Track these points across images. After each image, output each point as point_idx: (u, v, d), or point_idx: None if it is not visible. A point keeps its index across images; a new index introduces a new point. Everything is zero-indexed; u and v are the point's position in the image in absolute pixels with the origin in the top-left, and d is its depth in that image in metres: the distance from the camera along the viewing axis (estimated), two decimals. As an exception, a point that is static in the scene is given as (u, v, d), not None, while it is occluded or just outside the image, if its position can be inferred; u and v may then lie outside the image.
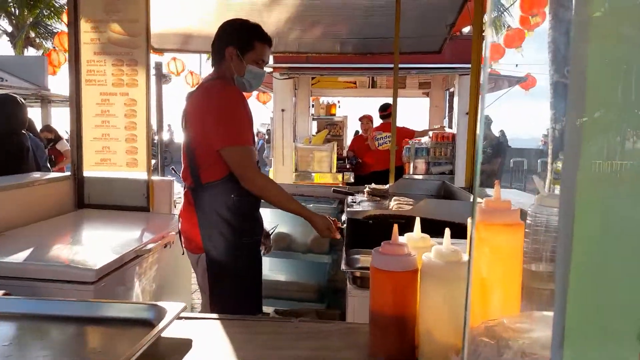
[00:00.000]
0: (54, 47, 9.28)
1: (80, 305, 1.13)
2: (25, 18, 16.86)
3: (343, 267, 1.87)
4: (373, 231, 2.09)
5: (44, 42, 17.71)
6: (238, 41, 1.87)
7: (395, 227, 0.95)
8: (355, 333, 1.08)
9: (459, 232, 1.85)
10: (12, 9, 16.88)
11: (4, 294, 1.53)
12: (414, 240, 1.00)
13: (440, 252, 0.89)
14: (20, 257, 1.82)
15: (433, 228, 1.25)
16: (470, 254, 0.64)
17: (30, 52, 17.28)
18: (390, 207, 2.28)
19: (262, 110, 12.64)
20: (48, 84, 10.45)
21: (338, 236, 1.98)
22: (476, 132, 2.82)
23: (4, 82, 9.30)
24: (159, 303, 1.08)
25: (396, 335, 0.91)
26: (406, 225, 1.98)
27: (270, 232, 2.18)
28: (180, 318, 1.10)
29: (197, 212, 1.87)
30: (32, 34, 17.50)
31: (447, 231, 0.91)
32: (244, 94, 1.99)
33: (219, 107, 1.81)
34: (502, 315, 0.93)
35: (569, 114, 0.43)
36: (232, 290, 1.88)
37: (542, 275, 1.28)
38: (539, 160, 14.33)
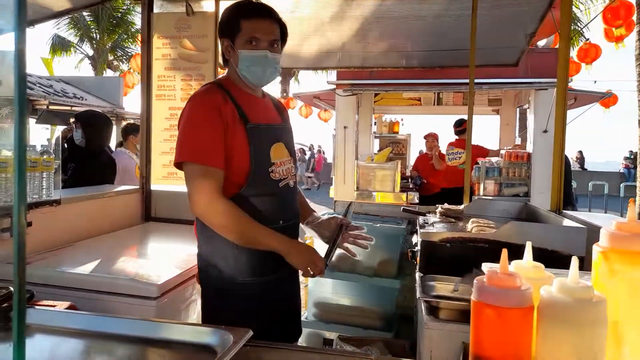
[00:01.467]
0: (130, 69, 9.85)
1: (141, 325, 1.05)
2: (105, 42, 18.19)
3: (418, 294, 1.69)
4: (450, 256, 1.90)
5: (120, 65, 19.00)
6: (226, 29, 1.52)
7: (505, 252, 0.78)
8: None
9: (554, 260, 1.63)
10: (94, 34, 18.29)
11: (70, 306, 1.50)
12: (524, 269, 0.83)
13: (566, 287, 0.71)
14: (86, 268, 1.82)
15: (519, 256, 1.02)
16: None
17: (109, 73, 18.61)
18: (469, 230, 2.07)
19: (324, 128, 12.65)
20: (123, 103, 11.09)
21: (321, 274, 1.52)
22: (563, 151, 2.56)
23: (83, 100, 9.97)
24: (223, 328, 0.97)
25: (506, 387, 0.74)
26: (489, 251, 1.78)
27: (344, 216, 1.70)
28: (246, 345, 0.98)
29: (198, 238, 1.58)
30: (111, 57, 18.85)
31: (575, 260, 0.73)
32: (249, 93, 1.56)
33: (183, 117, 1.50)
34: (647, 370, 0.73)
35: None
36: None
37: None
38: (621, 185, 13.23)
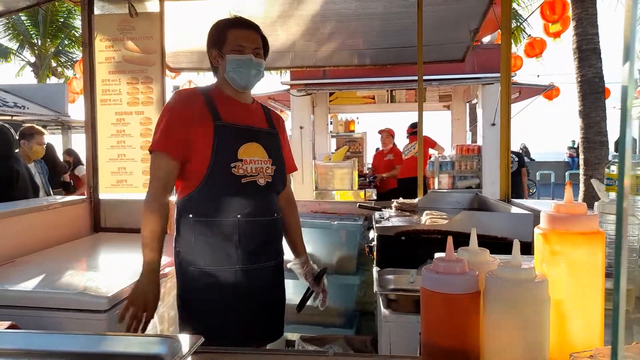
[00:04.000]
0: (75, 75, 9.44)
1: (85, 340, 1.00)
2: (47, 48, 17.36)
3: (376, 288, 1.70)
4: (405, 249, 1.92)
5: (65, 71, 18.17)
6: (215, 41, 1.70)
7: (450, 239, 0.79)
8: (402, 368, 0.91)
9: (503, 247, 1.68)
10: (35, 40, 17.41)
11: (10, 326, 1.41)
12: (470, 255, 0.84)
13: (510, 270, 0.72)
14: (29, 285, 1.72)
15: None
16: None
17: (53, 80, 17.74)
18: (423, 222, 2.11)
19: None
20: (68, 111, 10.62)
21: (136, 323, 1.52)
22: (509, 142, 2.65)
23: (25, 109, 9.47)
24: (172, 336, 0.93)
25: (457, 372, 0.75)
26: (443, 242, 1.81)
27: (319, 276, 1.83)
28: (198, 352, 0.95)
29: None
30: (54, 64, 17.99)
31: (516, 243, 0.75)
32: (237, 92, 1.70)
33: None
34: (588, 345, 0.76)
35: None
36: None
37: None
38: (566, 173, 13.91)
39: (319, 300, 1.83)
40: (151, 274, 1.56)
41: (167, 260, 2.03)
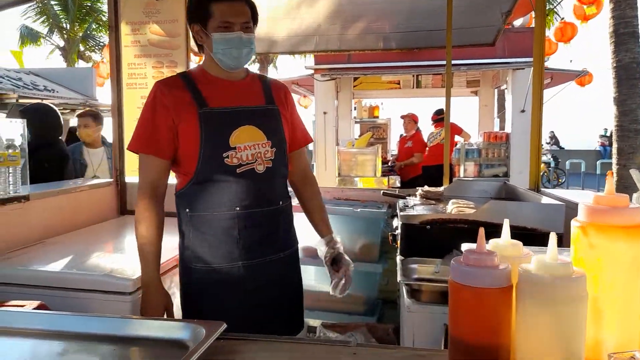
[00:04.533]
0: (102, 59, 9.57)
1: (110, 323, 1.01)
2: (75, 32, 17.65)
3: (399, 278, 1.67)
4: (430, 238, 1.89)
5: (92, 55, 18.47)
6: (196, 15, 1.51)
7: (481, 230, 0.75)
8: (428, 362, 0.89)
9: (533, 238, 1.62)
10: (64, 24, 17.72)
11: (39, 305, 1.45)
12: (502, 248, 0.80)
13: (545, 264, 0.69)
14: (57, 265, 1.75)
15: (499, 235, 0.99)
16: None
17: (81, 64, 18.06)
18: (449, 211, 2.06)
19: (303, 114, 12.58)
20: (96, 95, 10.80)
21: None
22: (541, 130, 2.56)
23: (54, 93, 9.68)
24: (195, 322, 0.93)
25: (486, 369, 0.72)
26: (469, 232, 1.77)
27: (335, 257, 1.66)
28: (220, 338, 0.94)
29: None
30: (82, 48, 18.31)
31: (553, 236, 0.71)
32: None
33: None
34: (627, 346, 0.72)
35: None
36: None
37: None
38: (598, 162, 13.49)
39: (337, 288, 1.62)
40: (151, 285, 1.49)
41: (170, 257, 1.95)
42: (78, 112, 10.67)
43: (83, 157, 3.75)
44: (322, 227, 1.71)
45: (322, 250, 1.68)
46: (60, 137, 3.50)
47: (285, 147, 1.59)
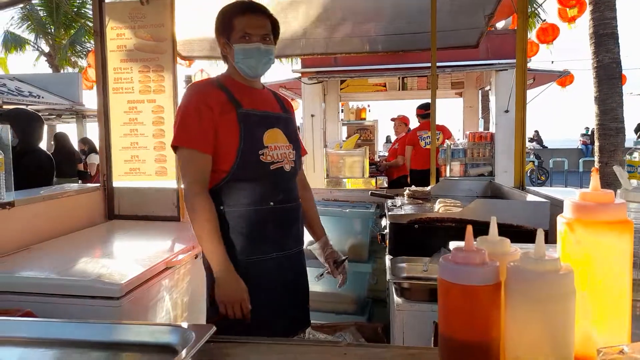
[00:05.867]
0: (89, 64, 9.46)
1: (98, 328, 1.00)
2: (61, 38, 17.42)
3: (388, 277, 1.69)
4: (418, 237, 1.90)
5: (79, 61, 18.25)
6: (222, 29, 1.64)
7: (469, 228, 0.76)
8: None
9: (520, 235, 1.64)
10: (50, 30, 17.48)
11: (26, 313, 1.43)
12: (490, 245, 0.81)
13: (533, 260, 0.70)
14: (44, 272, 1.73)
15: (486, 233, 1.01)
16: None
17: (67, 70, 17.83)
18: (436, 210, 2.08)
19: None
20: (82, 100, 10.69)
21: (245, 319, 1.51)
22: (524, 129, 2.59)
23: (40, 98, 9.55)
24: (184, 324, 0.93)
25: (476, 366, 0.72)
26: (457, 230, 1.79)
27: (340, 262, 1.82)
28: (210, 341, 0.94)
29: None
30: (68, 53, 18.07)
31: (540, 232, 0.72)
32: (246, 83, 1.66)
33: (178, 108, 1.66)
34: (616, 340, 0.73)
35: None
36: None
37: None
38: (580, 160, 13.71)
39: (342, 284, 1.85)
40: (226, 271, 1.51)
41: (179, 248, 2.05)
42: (64, 117, 10.57)
43: None
44: (317, 230, 1.87)
45: (321, 251, 1.84)
46: (37, 145, 3.42)
47: (300, 153, 1.76)
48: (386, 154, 8.34)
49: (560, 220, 0.80)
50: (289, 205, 1.67)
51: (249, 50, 1.59)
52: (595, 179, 0.78)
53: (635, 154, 1.54)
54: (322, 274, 1.86)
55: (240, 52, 1.60)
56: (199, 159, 1.56)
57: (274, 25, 1.67)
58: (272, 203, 1.60)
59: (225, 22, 1.63)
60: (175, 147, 1.61)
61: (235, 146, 1.56)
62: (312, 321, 2.47)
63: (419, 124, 6.10)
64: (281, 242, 1.64)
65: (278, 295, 1.63)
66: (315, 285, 2.81)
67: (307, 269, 1.81)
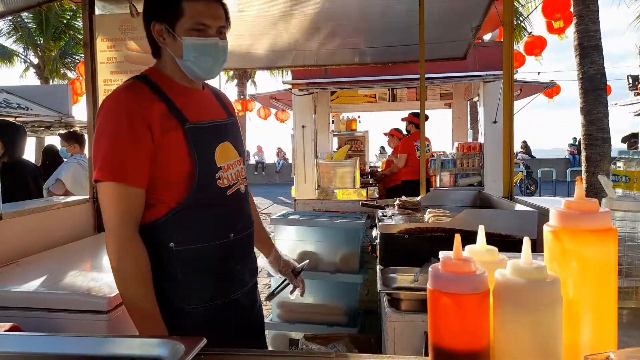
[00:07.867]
0: (78, 76, 9.43)
1: (83, 342, 0.98)
2: (51, 49, 17.36)
3: (379, 287, 1.69)
4: (408, 247, 1.91)
5: (69, 73, 18.18)
6: (161, 12, 1.27)
7: (458, 237, 0.77)
8: (409, 369, 0.90)
9: (509, 244, 1.66)
10: (39, 41, 17.41)
11: (12, 327, 1.40)
12: (478, 254, 0.82)
13: (520, 269, 0.71)
14: (32, 285, 1.71)
15: (475, 242, 1.02)
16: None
17: (56, 82, 17.75)
18: (426, 220, 2.09)
19: (280, 129, 12.66)
20: (72, 112, 10.61)
21: None
22: (512, 140, 2.63)
23: (29, 110, 9.47)
24: (174, 337, 0.92)
25: (466, 374, 0.73)
26: (447, 240, 1.80)
27: (299, 270, 1.74)
28: (200, 354, 0.93)
29: None
30: (58, 65, 18.00)
31: (527, 240, 0.73)
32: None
33: (97, 123, 1.24)
34: (602, 347, 0.74)
35: None
36: None
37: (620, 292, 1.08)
38: (568, 170, 13.87)
39: (297, 292, 1.73)
40: (141, 321, 1.27)
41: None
42: (53, 129, 10.46)
43: None
44: (266, 244, 1.68)
45: (275, 264, 1.69)
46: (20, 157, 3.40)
47: (246, 164, 1.48)
48: (378, 164, 8.42)
49: (546, 228, 0.81)
50: (247, 233, 1.41)
51: (204, 47, 1.26)
52: (579, 187, 0.80)
53: (620, 164, 1.56)
54: (275, 292, 1.75)
55: (192, 48, 1.25)
56: (130, 195, 1.21)
57: (227, 13, 1.34)
58: (232, 235, 1.33)
59: (169, 5, 1.26)
60: (97, 180, 1.21)
61: (186, 172, 1.24)
62: (304, 333, 2.47)
63: (411, 132, 6.15)
64: (241, 278, 1.39)
65: (239, 339, 1.38)
66: (307, 297, 2.82)
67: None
